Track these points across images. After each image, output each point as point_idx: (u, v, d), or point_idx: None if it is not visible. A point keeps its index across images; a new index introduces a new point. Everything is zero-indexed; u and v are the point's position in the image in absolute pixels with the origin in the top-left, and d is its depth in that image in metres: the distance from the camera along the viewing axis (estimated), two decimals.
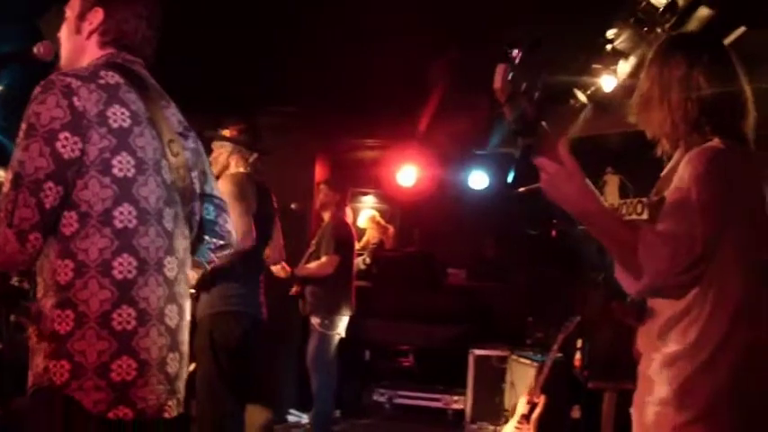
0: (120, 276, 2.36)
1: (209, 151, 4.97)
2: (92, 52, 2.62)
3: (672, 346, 2.43)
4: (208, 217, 2.80)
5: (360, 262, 9.19)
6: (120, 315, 2.35)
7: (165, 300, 2.47)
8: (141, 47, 2.65)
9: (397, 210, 10.89)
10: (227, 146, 5.22)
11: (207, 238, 2.82)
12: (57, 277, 2.34)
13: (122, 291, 2.36)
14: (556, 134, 2.47)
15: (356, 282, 7.90)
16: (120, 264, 2.36)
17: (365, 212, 10.83)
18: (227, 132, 5.26)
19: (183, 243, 2.59)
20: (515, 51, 2.36)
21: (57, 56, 2.72)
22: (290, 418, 8.20)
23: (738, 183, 2.42)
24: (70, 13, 2.66)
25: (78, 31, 2.63)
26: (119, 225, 2.37)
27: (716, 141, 2.46)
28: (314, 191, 8.85)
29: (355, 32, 6.11)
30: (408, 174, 9.88)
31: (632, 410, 2.58)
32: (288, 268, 6.82)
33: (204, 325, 4.92)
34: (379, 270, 9.46)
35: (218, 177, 5.16)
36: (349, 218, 7.97)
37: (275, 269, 6.65)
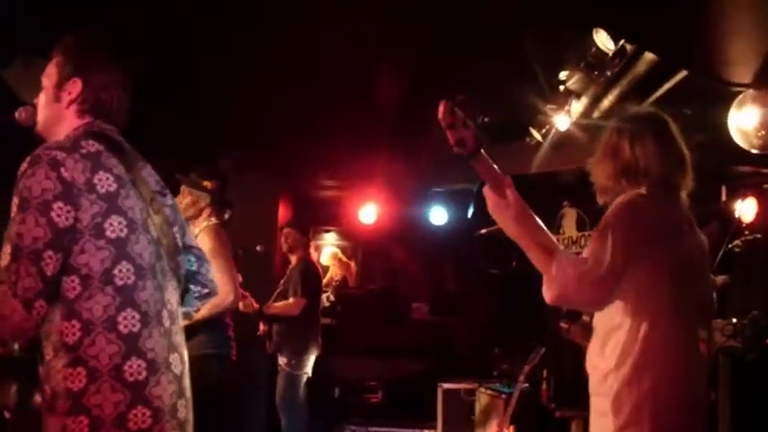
0: (125, 330, 2.47)
1: (175, 192, 5.10)
2: (71, 121, 2.72)
3: (603, 364, 2.91)
4: (190, 268, 2.93)
5: (324, 299, 9.30)
6: (130, 366, 2.46)
7: (168, 349, 2.58)
8: (117, 113, 2.77)
9: (359, 246, 11.00)
10: (205, 196, 5.33)
11: (192, 287, 2.95)
12: (65, 338, 2.43)
13: (129, 343, 2.47)
14: (509, 167, 2.94)
15: (321, 319, 8.00)
16: (125, 318, 2.47)
17: (327, 250, 10.95)
18: (207, 184, 5.37)
19: (173, 295, 2.70)
20: (459, 96, 2.81)
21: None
22: None
23: (647, 223, 2.92)
24: (47, 81, 2.76)
25: (57, 99, 2.73)
26: (119, 282, 2.48)
27: (642, 189, 2.98)
28: (277, 231, 8.94)
29: (313, 72, 6.20)
30: (369, 211, 10.01)
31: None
32: (255, 304, 6.90)
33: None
34: (344, 307, 9.57)
35: (187, 219, 5.27)
36: (314, 257, 8.08)
37: (242, 305, 6.74)
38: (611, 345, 2.89)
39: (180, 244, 2.81)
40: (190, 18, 5.22)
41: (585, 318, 3.24)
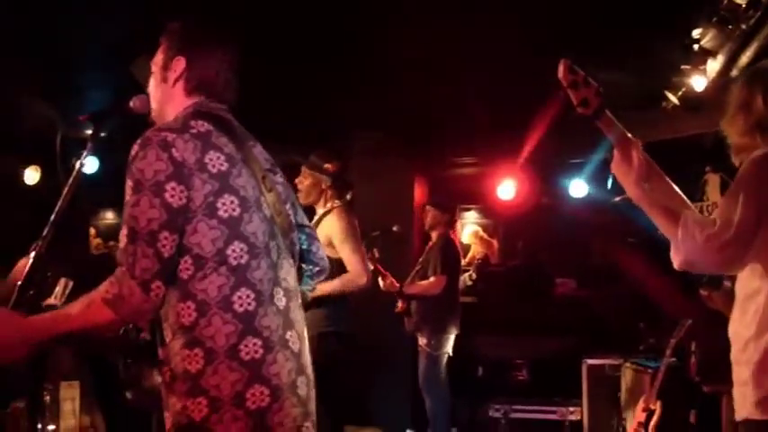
0: (240, 309, 2.48)
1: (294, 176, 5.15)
2: (179, 100, 2.75)
3: (744, 331, 2.75)
4: (302, 246, 2.92)
5: (466, 278, 9.22)
6: (246, 346, 2.46)
7: (284, 327, 2.57)
8: (224, 91, 2.78)
9: (500, 223, 10.87)
10: (326, 179, 5.34)
11: (304, 266, 2.94)
12: (181, 320, 2.47)
13: (245, 323, 2.48)
14: (646, 134, 2.83)
15: (463, 298, 7.94)
16: (240, 297, 2.48)
17: (468, 228, 10.86)
18: (328, 166, 5.38)
19: (290, 272, 2.69)
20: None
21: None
22: None
23: None
24: (155, 67, 2.81)
25: (164, 80, 2.77)
26: (233, 262, 2.48)
27: None
28: (413, 211, 8.94)
29: (446, 51, 6.16)
30: (508, 187, 9.87)
31: None
32: (396, 284, 6.90)
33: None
34: (486, 285, 9.45)
35: (311, 205, 5.31)
36: (457, 236, 8.02)
37: (383, 284, 6.74)
38: (750, 311, 2.74)
39: (293, 221, 2.81)
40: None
41: (727, 283, 3.11)
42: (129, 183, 2.48)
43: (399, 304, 7.23)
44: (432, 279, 7.16)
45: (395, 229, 7.66)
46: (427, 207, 7.70)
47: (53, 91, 6.90)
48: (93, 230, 9.97)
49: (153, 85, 2.82)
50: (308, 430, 2.62)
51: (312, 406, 2.67)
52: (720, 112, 2.96)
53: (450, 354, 7.11)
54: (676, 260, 2.76)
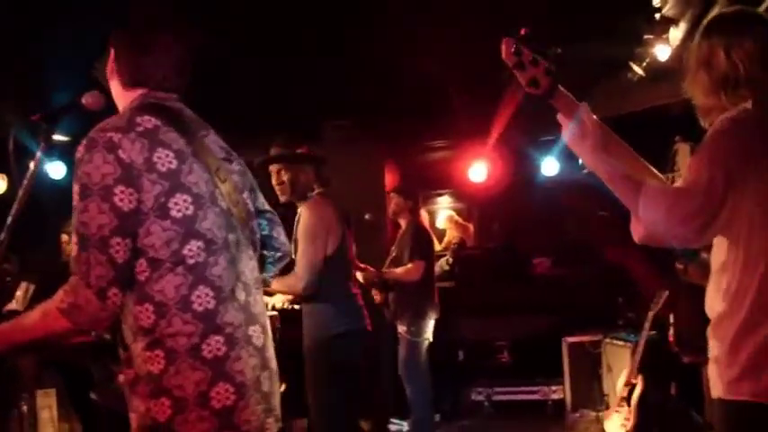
0: (200, 309, 2.41)
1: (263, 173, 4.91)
2: (121, 93, 2.67)
3: (718, 306, 2.55)
4: (263, 232, 2.86)
5: (443, 263, 9.19)
6: (208, 344, 2.41)
7: (246, 322, 2.51)
8: (170, 81, 2.66)
9: (474, 206, 10.83)
10: (308, 167, 5.07)
11: (266, 252, 2.89)
12: (140, 322, 2.41)
13: (206, 321, 2.42)
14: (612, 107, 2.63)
15: (441, 283, 7.89)
16: (198, 297, 2.42)
17: (443, 213, 10.82)
18: (303, 150, 5.10)
19: (249, 265, 2.62)
20: (523, 30, 2.62)
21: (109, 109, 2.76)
22: (392, 427, 8.20)
23: (754, 140, 2.48)
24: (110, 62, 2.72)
25: (112, 74, 2.69)
26: (190, 261, 2.42)
27: (747, 103, 2.54)
28: (385, 199, 8.87)
29: (413, 33, 6.10)
30: (479, 169, 9.83)
31: None
32: (371, 269, 6.82)
33: (322, 347, 4.90)
34: (463, 268, 9.42)
35: (300, 199, 5.09)
36: (425, 221, 7.95)
37: (361, 276, 6.65)
38: (724, 285, 2.53)
39: (252, 209, 2.74)
40: None
41: (704, 255, 2.93)
42: (75, 188, 2.40)
43: (376, 296, 7.14)
44: (409, 265, 7.07)
45: (367, 217, 7.61)
46: (391, 194, 7.61)
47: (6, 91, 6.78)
48: (65, 237, 9.83)
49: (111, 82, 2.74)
50: (270, 426, 2.56)
51: (275, 401, 2.62)
52: (682, 73, 2.72)
53: (431, 339, 7.04)
54: (636, 233, 2.57)
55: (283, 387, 7.00)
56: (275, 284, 4.74)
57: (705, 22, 2.74)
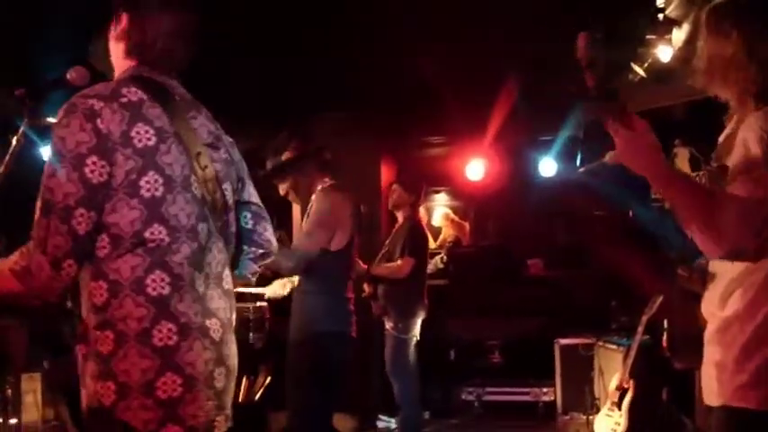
0: (154, 293, 2.33)
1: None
2: (120, 60, 2.58)
3: (728, 310, 2.43)
4: (245, 226, 2.74)
5: (437, 261, 9.14)
6: (159, 331, 2.32)
7: (203, 314, 2.42)
8: (167, 57, 2.57)
9: (471, 205, 10.78)
10: (303, 166, 4.96)
11: (245, 247, 2.75)
12: (93, 299, 2.33)
13: (158, 307, 2.33)
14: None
15: (434, 281, 7.84)
16: (153, 281, 2.33)
17: (439, 211, 10.77)
18: (289, 153, 4.96)
19: (216, 257, 2.52)
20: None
21: (94, 79, 2.68)
22: (380, 424, 8.17)
23: None
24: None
25: (113, 37, 2.59)
26: (150, 244, 2.34)
27: None
28: (381, 192, 8.82)
29: (413, 30, 6.06)
30: (477, 168, 9.78)
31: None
32: (363, 265, 6.75)
33: (307, 342, 4.81)
34: (457, 267, 9.38)
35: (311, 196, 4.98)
36: (423, 218, 7.89)
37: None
38: (740, 290, 2.40)
39: (230, 201, 2.60)
40: None
41: (702, 261, 2.82)
42: (48, 149, 2.33)
43: (366, 288, 7.08)
44: (399, 262, 7.01)
45: (361, 209, 7.52)
46: (394, 185, 7.52)
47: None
48: None
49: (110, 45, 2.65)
50: (219, 424, 2.47)
51: (228, 399, 2.52)
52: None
53: (418, 338, 6.98)
54: (720, 248, 2.31)
55: (268, 379, 6.97)
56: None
57: (711, 16, 2.56)
